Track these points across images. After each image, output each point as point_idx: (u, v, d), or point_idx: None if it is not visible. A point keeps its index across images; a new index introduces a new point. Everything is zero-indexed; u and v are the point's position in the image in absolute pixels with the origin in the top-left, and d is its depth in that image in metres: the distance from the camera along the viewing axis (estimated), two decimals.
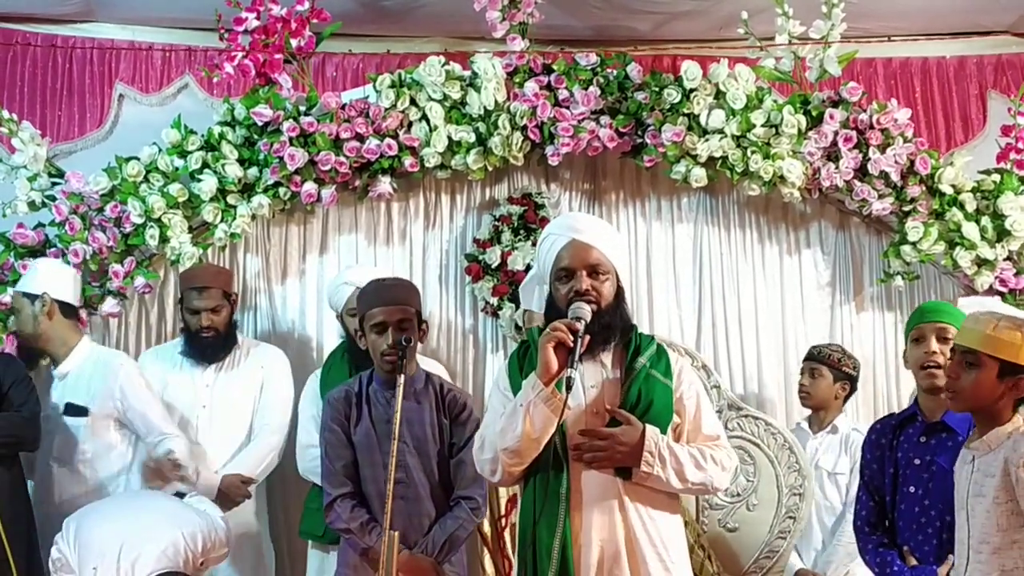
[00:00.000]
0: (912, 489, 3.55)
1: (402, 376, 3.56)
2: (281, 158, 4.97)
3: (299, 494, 4.79)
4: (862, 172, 5.13)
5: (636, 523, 3.18)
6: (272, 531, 4.88)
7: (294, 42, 5.08)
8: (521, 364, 3.33)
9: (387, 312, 3.74)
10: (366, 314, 3.80)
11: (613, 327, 3.26)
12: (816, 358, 4.82)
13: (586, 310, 3.17)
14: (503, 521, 4.41)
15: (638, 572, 3.16)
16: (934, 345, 3.60)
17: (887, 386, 5.42)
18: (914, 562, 3.52)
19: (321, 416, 3.97)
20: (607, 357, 3.29)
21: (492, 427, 3.24)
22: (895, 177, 5.09)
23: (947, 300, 4.91)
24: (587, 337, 3.14)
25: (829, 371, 4.77)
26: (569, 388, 3.04)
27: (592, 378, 3.26)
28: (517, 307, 5.15)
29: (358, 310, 3.86)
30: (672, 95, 5.08)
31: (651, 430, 3.17)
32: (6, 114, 4.99)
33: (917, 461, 3.55)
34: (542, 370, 3.12)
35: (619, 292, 3.30)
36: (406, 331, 3.74)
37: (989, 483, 3.03)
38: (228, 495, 4.55)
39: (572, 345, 3.10)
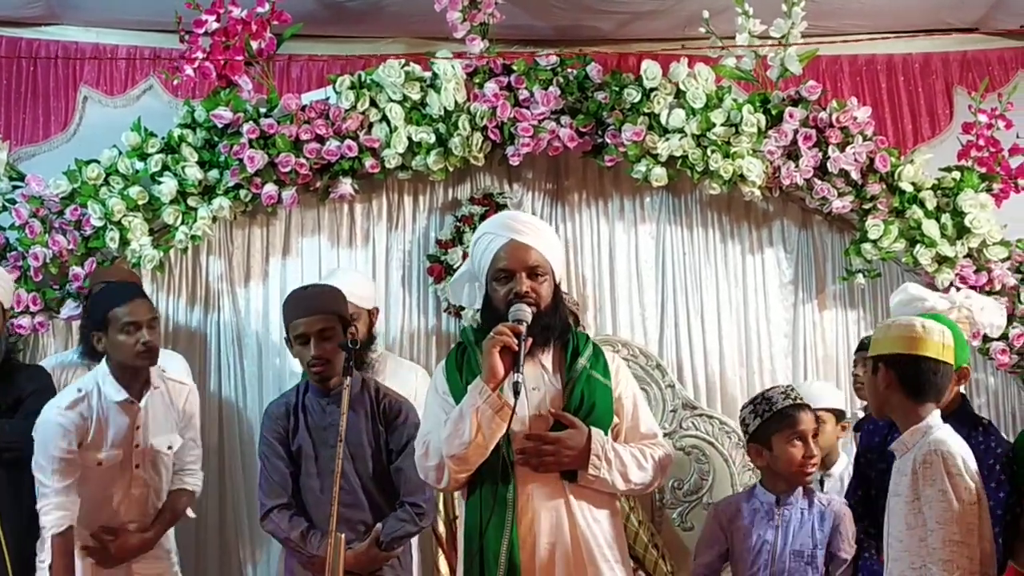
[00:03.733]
0: None
1: (348, 379, 3.56)
2: (241, 160, 4.97)
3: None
4: (822, 170, 5.14)
5: (582, 524, 3.19)
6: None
7: (254, 44, 5.09)
8: (459, 366, 3.32)
9: (307, 323, 3.76)
10: (289, 325, 3.82)
11: (552, 328, 3.27)
12: (867, 347, 4.64)
13: (526, 312, 3.17)
14: (457, 522, 4.41)
15: (585, 573, 3.17)
16: None
17: (850, 384, 5.41)
18: None
19: (261, 428, 3.99)
20: (547, 359, 3.29)
21: (436, 433, 3.22)
22: (855, 175, 5.11)
23: None
24: (530, 340, 3.15)
25: None
26: (517, 393, 3.04)
27: (533, 381, 3.25)
28: None
29: (283, 320, 3.87)
30: (632, 95, 5.09)
31: (596, 433, 3.18)
32: None
33: None
34: (489, 375, 3.12)
35: (556, 292, 3.31)
36: (329, 339, 3.76)
37: (903, 482, 3.07)
38: None
39: (517, 349, 3.11)
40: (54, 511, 3.85)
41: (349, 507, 3.75)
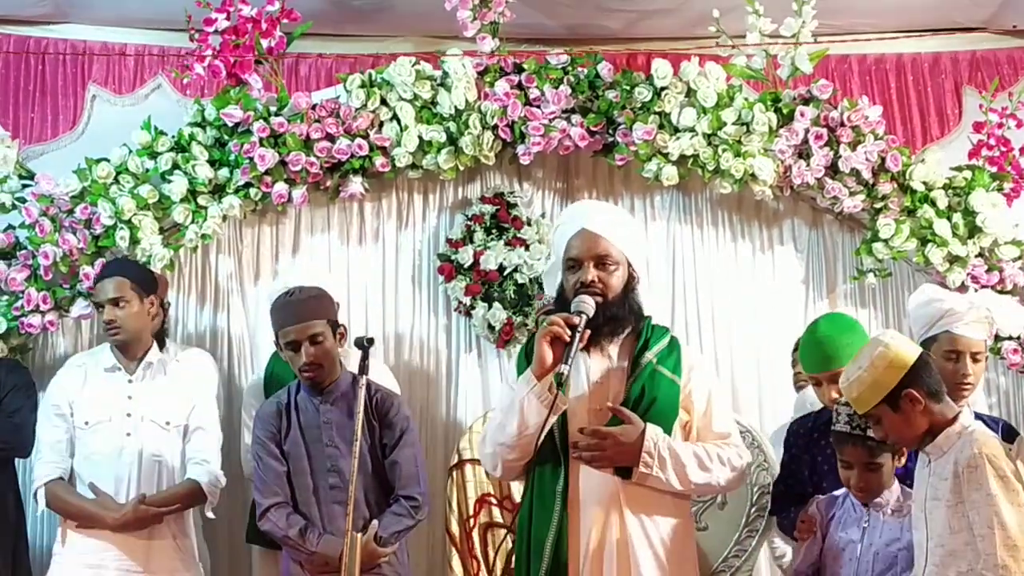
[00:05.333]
0: (826, 487, 3.64)
1: (364, 377, 3.55)
2: (251, 159, 4.96)
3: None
4: (833, 169, 5.13)
5: (633, 524, 3.14)
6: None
7: (264, 42, 5.08)
8: (528, 356, 3.30)
9: (298, 330, 3.77)
10: (279, 332, 3.83)
11: (620, 319, 3.23)
12: None
13: (588, 304, 3.14)
14: (471, 521, 4.42)
15: (628, 573, 3.13)
16: (833, 393, 3.67)
17: None
18: None
19: (252, 430, 4.00)
20: (615, 350, 3.26)
21: (493, 421, 3.27)
22: (866, 174, 5.10)
23: None
24: (587, 332, 3.12)
25: None
26: (560, 385, 3.04)
27: (598, 372, 3.23)
28: (490, 307, 5.16)
29: (272, 326, 3.88)
30: (643, 93, 5.08)
31: (652, 430, 3.13)
32: None
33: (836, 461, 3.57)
34: (536, 365, 3.13)
35: (629, 282, 3.26)
36: (320, 344, 3.78)
37: (943, 486, 3.03)
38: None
39: (568, 340, 3.09)
40: (43, 465, 4.21)
41: (347, 504, 3.75)
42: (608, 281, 3.20)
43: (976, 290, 4.90)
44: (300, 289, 3.93)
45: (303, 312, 3.79)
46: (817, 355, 3.73)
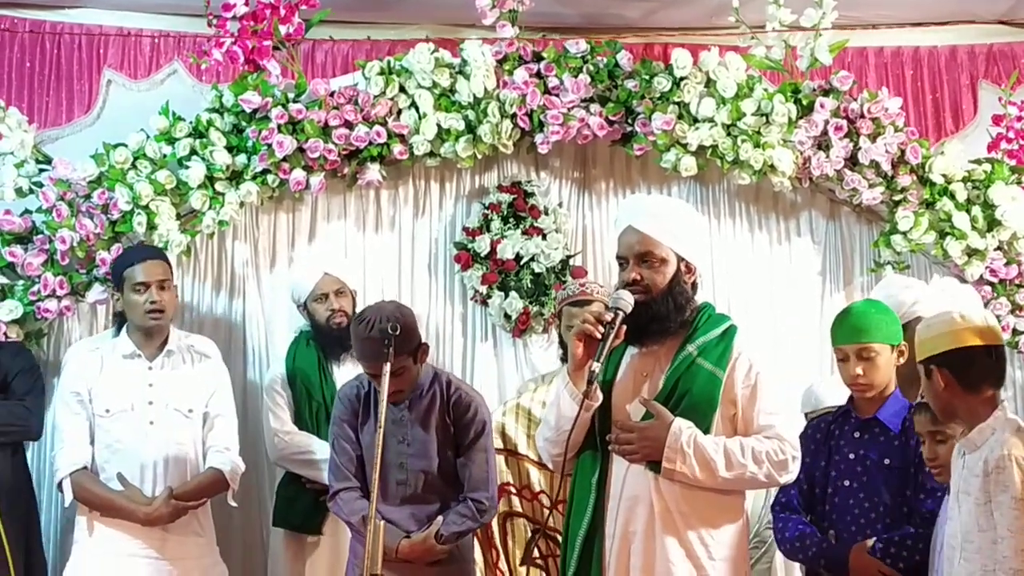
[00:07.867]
0: (847, 483, 3.64)
1: (387, 365, 3.55)
2: (269, 145, 4.94)
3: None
4: (852, 161, 5.12)
5: (665, 518, 3.14)
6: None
7: (283, 29, 5.06)
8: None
9: (377, 367, 3.67)
10: (360, 362, 3.87)
11: (664, 316, 3.21)
12: None
13: (625, 301, 3.14)
14: None
15: (653, 568, 3.13)
16: (857, 368, 3.63)
17: None
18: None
19: (333, 410, 4.03)
20: (663, 342, 3.25)
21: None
22: (886, 166, 5.09)
23: None
24: (623, 328, 3.12)
25: None
26: (590, 382, 3.05)
27: (644, 365, 3.25)
28: (506, 296, 5.15)
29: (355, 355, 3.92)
30: (662, 83, 5.06)
31: (678, 424, 3.12)
32: None
33: (851, 456, 3.65)
34: (570, 362, 3.18)
35: (675, 279, 3.22)
36: (401, 376, 3.76)
37: (974, 482, 3.01)
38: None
39: (600, 337, 3.09)
40: (66, 454, 4.17)
41: (414, 504, 3.78)
42: (653, 279, 3.19)
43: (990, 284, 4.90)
44: (380, 320, 3.75)
45: (381, 353, 3.67)
46: (849, 326, 3.72)
